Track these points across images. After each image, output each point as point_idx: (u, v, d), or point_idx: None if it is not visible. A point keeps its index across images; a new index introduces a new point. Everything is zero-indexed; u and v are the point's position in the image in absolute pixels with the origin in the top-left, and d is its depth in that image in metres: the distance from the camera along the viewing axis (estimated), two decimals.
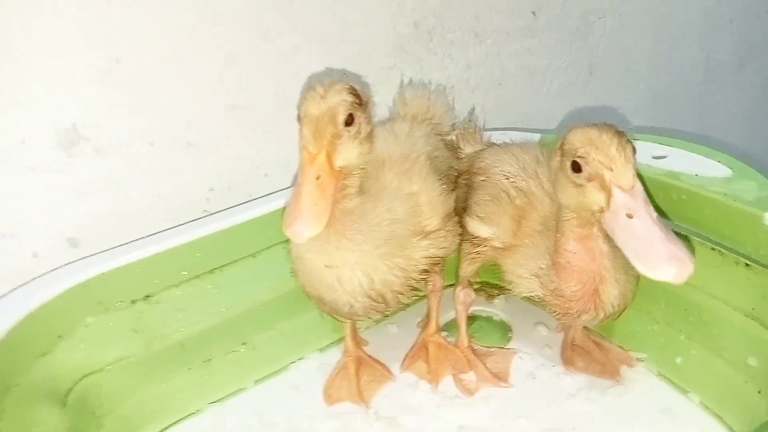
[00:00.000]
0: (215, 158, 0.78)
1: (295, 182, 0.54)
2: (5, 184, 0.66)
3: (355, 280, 0.58)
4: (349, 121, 0.54)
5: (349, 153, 0.55)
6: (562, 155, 0.55)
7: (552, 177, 0.59)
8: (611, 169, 0.51)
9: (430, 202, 0.65)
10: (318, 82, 0.55)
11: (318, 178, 0.52)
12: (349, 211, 0.58)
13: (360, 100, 0.55)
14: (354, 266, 0.58)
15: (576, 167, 0.53)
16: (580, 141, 0.53)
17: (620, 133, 0.53)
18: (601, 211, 0.53)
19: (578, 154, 0.53)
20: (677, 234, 0.66)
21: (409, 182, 0.64)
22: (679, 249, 0.48)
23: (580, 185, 0.53)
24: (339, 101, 0.53)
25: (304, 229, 0.50)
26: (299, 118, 0.54)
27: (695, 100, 1.42)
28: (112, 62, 0.68)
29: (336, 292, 0.59)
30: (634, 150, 0.53)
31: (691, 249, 0.49)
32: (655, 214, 0.50)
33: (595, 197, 0.53)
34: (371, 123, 0.58)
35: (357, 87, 0.56)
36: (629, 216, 0.50)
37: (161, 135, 0.73)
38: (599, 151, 0.52)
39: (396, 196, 0.62)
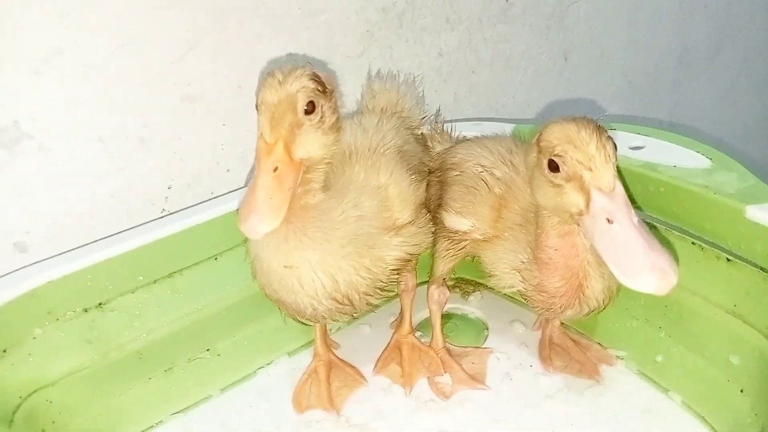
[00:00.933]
0: (172, 154, 0.73)
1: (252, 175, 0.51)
2: None
3: (317, 281, 0.55)
4: (310, 109, 0.50)
5: (310, 143, 0.51)
6: (539, 152, 0.52)
7: (528, 173, 0.56)
8: (590, 170, 0.48)
9: (400, 194, 0.61)
10: (277, 68, 0.51)
11: (275, 169, 0.48)
12: (311, 207, 0.54)
13: (323, 87, 0.52)
14: (316, 267, 0.54)
15: (553, 166, 0.50)
16: (557, 138, 0.50)
17: (600, 129, 0.50)
18: (580, 213, 0.50)
19: (555, 152, 0.50)
20: (656, 231, 0.65)
21: (377, 175, 0.61)
22: (662, 258, 0.45)
23: (558, 185, 0.50)
24: (299, 87, 0.50)
25: (259, 224, 0.47)
26: (257, 107, 0.50)
27: (670, 86, 1.41)
28: (55, 52, 0.63)
29: (296, 295, 0.55)
30: (614, 147, 0.50)
31: (675, 257, 0.46)
32: (636, 219, 0.47)
33: (573, 199, 0.50)
34: (337, 112, 0.54)
35: (321, 74, 0.53)
36: (609, 221, 0.47)
37: (111, 130, 0.68)
38: (578, 149, 0.48)
39: (363, 191, 0.59)
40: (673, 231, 0.64)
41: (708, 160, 0.64)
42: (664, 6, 1.28)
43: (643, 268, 0.45)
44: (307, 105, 0.50)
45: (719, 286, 0.61)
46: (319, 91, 0.51)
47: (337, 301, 0.56)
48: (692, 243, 0.62)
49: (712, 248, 0.61)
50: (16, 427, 0.57)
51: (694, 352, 0.64)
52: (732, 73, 1.51)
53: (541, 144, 0.52)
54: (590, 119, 0.51)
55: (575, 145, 0.49)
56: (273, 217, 0.47)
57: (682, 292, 0.64)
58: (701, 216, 0.60)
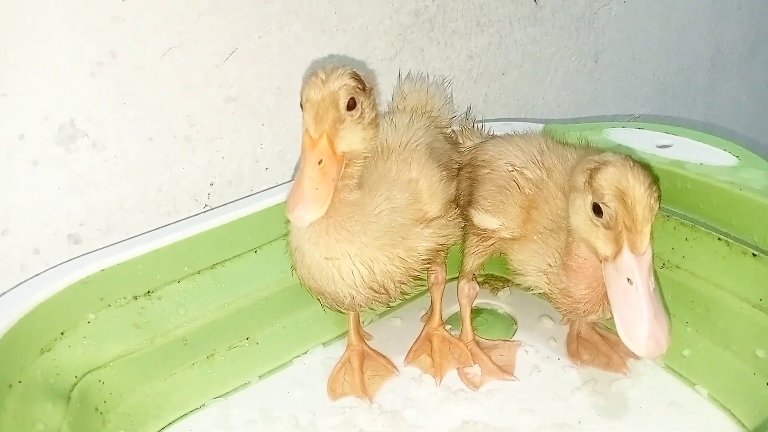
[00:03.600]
0: (215, 152, 0.77)
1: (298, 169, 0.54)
2: (5, 180, 0.65)
3: (355, 272, 0.58)
4: (351, 106, 0.54)
5: (352, 138, 0.54)
6: (589, 184, 0.53)
7: (568, 187, 0.58)
8: (630, 231, 0.51)
9: (430, 187, 0.64)
10: (320, 68, 0.55)
11: (320, 162, 0.52)
12: (349, 203, 0.57)
13: (363, 85, 0.55)
14: (354, 258, 0.57)
15: (597, 210, 0.53)
16: (610, 186, 0.51)
17: (652, 186, 0.51)
18: (606, 259, 0.53)
19: (604, 200, 0.52)
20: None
21: (408, 169, 0.64)
22: (661, 330, 0.50)
23: (596, 225, 0.53)
24: (340, 85, 0.53)
25: (306, 213, 0.51)
26: (302, 105, 0.54)
27: (703, 89, 1.40)
28: (108, 55, 0.67)
29: (336, 284, 0.59)
30: (659, 202, 0.52)
31: (671, 328, 0.51)
32: (653, 287, 0.51)
33: (605, 245, 0.53)
34: (375, 109, 0.57)
35: (360, 73, 0.56)
36: (629, 281, 0.51)
37: (160, 129, 0.73)
38: (626, 207, 0.51)
39: (395, 185, 0.62)
40: (700, 227, 0.65)
41: (735, 158, 0.65)
42: (696, 8, 1.28)
43: (643, 336, 0.50)
44: (349, 102, 0.53)
45: (745, 281, 0.62)
46: (359, 88, 0.54)
47: (374, 290, 0.59)
48: (719, 239, 0.63)
49: (739, 244, 0.62)
50: (72, 404, 0.61)
51: (721, 347, 0.65)
52: (767, 75, 1.50)
53: (593, 183, 0.53)
54: (647, 171, 0.52)
55: (624, 202, 0.51)
56: (318, 207, 0.51)
57: (708, 287, 0.65)
58: (728, 212, 0.61)
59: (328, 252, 0.57)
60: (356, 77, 0.55)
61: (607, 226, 0.52)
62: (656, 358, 0.51)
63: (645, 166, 0.53)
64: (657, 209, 0.52)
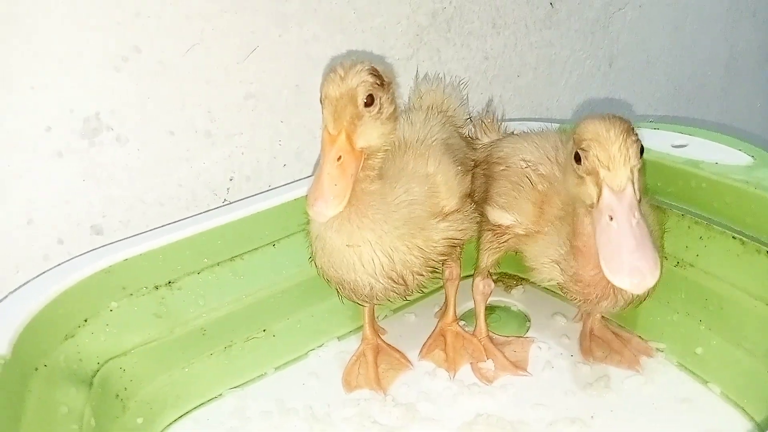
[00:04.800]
0: (235, 148, 0.79)
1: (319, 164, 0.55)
2: (32, 171, 0.67)
3: (375, 260, 0.59)
4: (369, 102, 0.54)
5: (370, 133, 0.55)
6: (573, 143, 0.56)
7: (565, 162, 0.60)
8: (608, 168, 0.52)
9: (447, 182, 0.65)
10: (339, 64, 0.56)
11: (339, 158, 0.53)
12: (371, 192, 0.58)
13: (381, 80, 0.56)
14: (375, 246, 0.59)
15: (578, 158, 0.54)
16: (586, 133, 0.54)
17: (629, 131, 0.53)
18: (592, 206, 0.54)
19: (581, 146, 0.54)
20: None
21: (425, 164, 0.65)
22: (644, 261, 0.49)
23: (580, 176, 0.54)
24: (359, 82, 0.54)
25: (325, 209, 0.52)
26: (321, 101, 0.55)
27: (717, 93, 1.40)
28: (133, 50, 0.69)
29: (357, 273, 0.60)
30: (640, 150, 0.53)
31: (660, 263, 0.50)
32: (635, 221, 0.51)
33: (589, 191, 0.54)
34: (394, 103, 0.58)
35: (379, 67, 0.57)
36: (611, 218, 0.51)
37: (181, 124, 0.74)
38: (601, 147, 0.52)
39: (413, 178, 0.63)
40: (715, 225, 0.65)
41: (750, 157, 0.65)
42: (710, 13, 1.29)
43: (624, 268, 0.50)
44: (367, 98, 0.54)
45: (760, 279, 0.62)
46: (377, 84, 0.55)
47: (393, 280, 0.60)
48: (733, 237, 0.64)
49: (753, 242, 0.62)
50: (94, 390, 0.62)
51: (734, 345, 0.65)
52: None
53: (574, 136, 0.55)
54: (624, 120, 0.54)
55: (600, 143, 0.52)
56: (338, 202, 0.52)
57: (722, 285, 0.65)
58: (742, 211, 0.62)
59: (349, 239, 0.58)
60: (375, 73, 0.55)
61: (587, 172, 0.53)
62: (642, 291, 0.50)
63: (624, 120, 0.54)
64: (638, 153, 0.52)
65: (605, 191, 0.52)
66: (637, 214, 0.51)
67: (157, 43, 0.70)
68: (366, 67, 0.55)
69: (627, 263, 0.49)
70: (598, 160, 0.52)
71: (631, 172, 0.52)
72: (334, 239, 0.59)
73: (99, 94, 0.69)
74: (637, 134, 0.53)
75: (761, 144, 0.68)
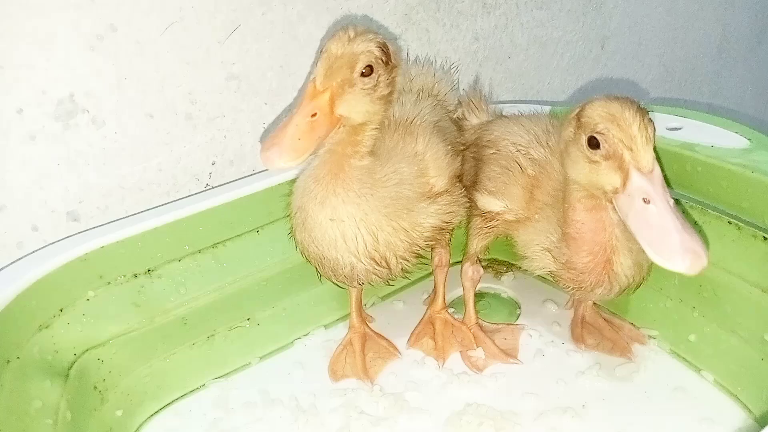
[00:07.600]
0: (217, 131, 0.76)
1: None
2: (3, 155, 0.64)
3: (359, 238, 0.57)
4: (368, 73, 0.52)
5: (355, 105, 0.52)
6: (579, 127, 0.53)
7: (561, 147, 0.57)
8: (631, 150, 0.49)
9: (436, 161, 0.63)
10: (353, 26, 0.53)
11: (314, 115, 0.50)
12: (360, 167, 0.56)
13: (388, 58, 0.53)
14: (359, 222, 0.56)
15: (593, 143, 0.51)
16: (600, 115, 0.51)
17: (643, 110, 0.51)
18: (615, 192, 0.51)
19: (597, 129, 0.51)
20: (687, 215, 0.65)
21: (414, 143, 0.63)
22: (694, 241, 0.47)
23: (595, 162, 0.51)
24: (364, 49, 0.51)
25: (278, 158, 0.49)
26: (320, 52, 0.53)
27: (709, 76, 1.39)
28: (109, 29, 0.66)
29: (338, 250, 0.57)
30: (654, 129, 0.50)
31: (705, 240, 0.47)
32: (672, 201, 0.49)
33: (610, 177, 0.51)
34: (392, 87, 0.56)
35: (391, 47, 0.54)
36: (646, 201, 0.48)
37: (160, 106, 0.71)
38: (620, 128, 0.49)
39: (402, 158, 0.61)
40: (710, 210, 0.64)
41: (746, 140, 0.64)
42: None
43: (677, 250, 0.46)
44: (365, 68, 0.52)
45: (755, 265, 0.61)
46: (381, 61, 0.52)
47: (375, 262, 0.58)
48: (729, 222, 0.62)
49: (749, 227, 0.61)
50: (71, 382, 0.60)
51: (728, 332, 0.64)
52: None
53: (582, 120, 0.52)
54: (633, 99, 0.52)
55: (618, 124, 0.50)
56: (293, 157, 0.49)
57: (717, 272, 0.64)
58: (738, 195, 0.60)
59: (333, 213, 0.56)
60: (384, 48, 0.53)
61: (607, 156, 0.51)
62: (697, 272, 0.46)
63: (634, 100, 0.52)
64: (654, 132, 0.50)
65: (634, 174, 0.49)
66: (670, 196, 0.49)
67: (134, 21, 0.67)
68: (378, 39, 0.53)
69: (679, 245, 0.46)
70: (621, 141, 0.49)
71: (654, 151, 0.50)
72: (317, 212, 0.56)
73: (73, 74, 0.66)
74: (648, 113, 0.51)
75: (754, 126, 0.67)
